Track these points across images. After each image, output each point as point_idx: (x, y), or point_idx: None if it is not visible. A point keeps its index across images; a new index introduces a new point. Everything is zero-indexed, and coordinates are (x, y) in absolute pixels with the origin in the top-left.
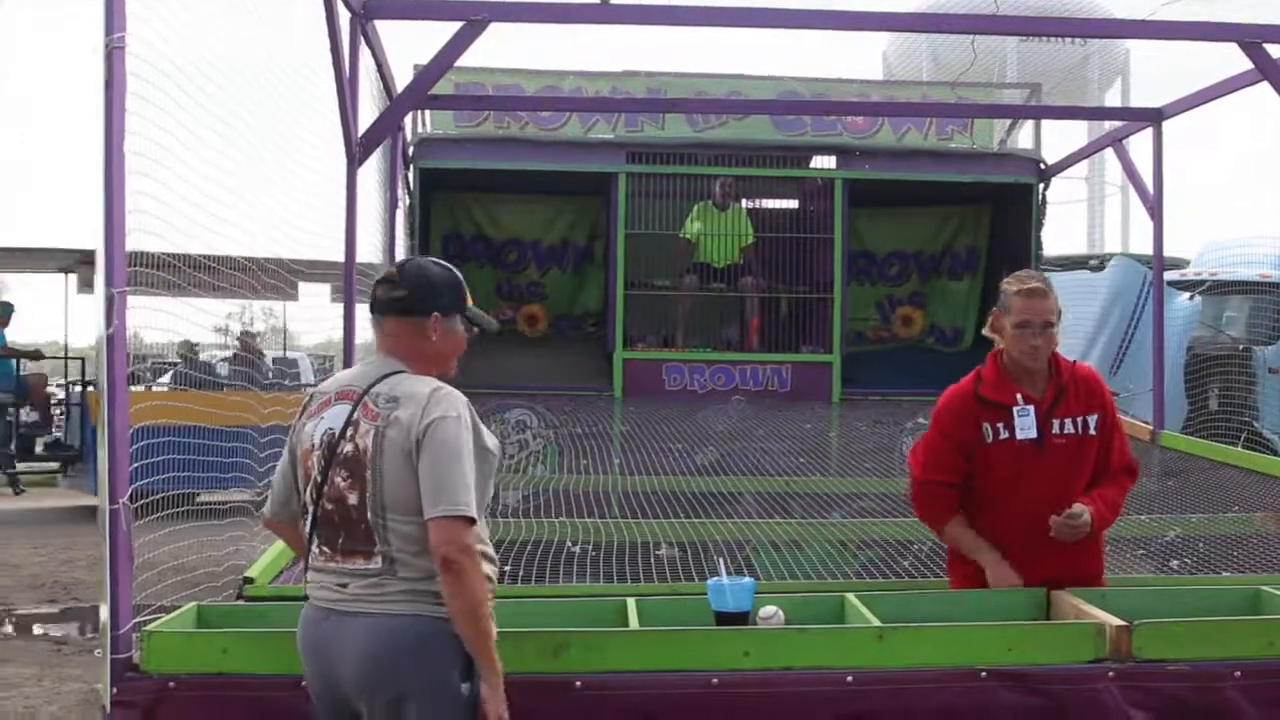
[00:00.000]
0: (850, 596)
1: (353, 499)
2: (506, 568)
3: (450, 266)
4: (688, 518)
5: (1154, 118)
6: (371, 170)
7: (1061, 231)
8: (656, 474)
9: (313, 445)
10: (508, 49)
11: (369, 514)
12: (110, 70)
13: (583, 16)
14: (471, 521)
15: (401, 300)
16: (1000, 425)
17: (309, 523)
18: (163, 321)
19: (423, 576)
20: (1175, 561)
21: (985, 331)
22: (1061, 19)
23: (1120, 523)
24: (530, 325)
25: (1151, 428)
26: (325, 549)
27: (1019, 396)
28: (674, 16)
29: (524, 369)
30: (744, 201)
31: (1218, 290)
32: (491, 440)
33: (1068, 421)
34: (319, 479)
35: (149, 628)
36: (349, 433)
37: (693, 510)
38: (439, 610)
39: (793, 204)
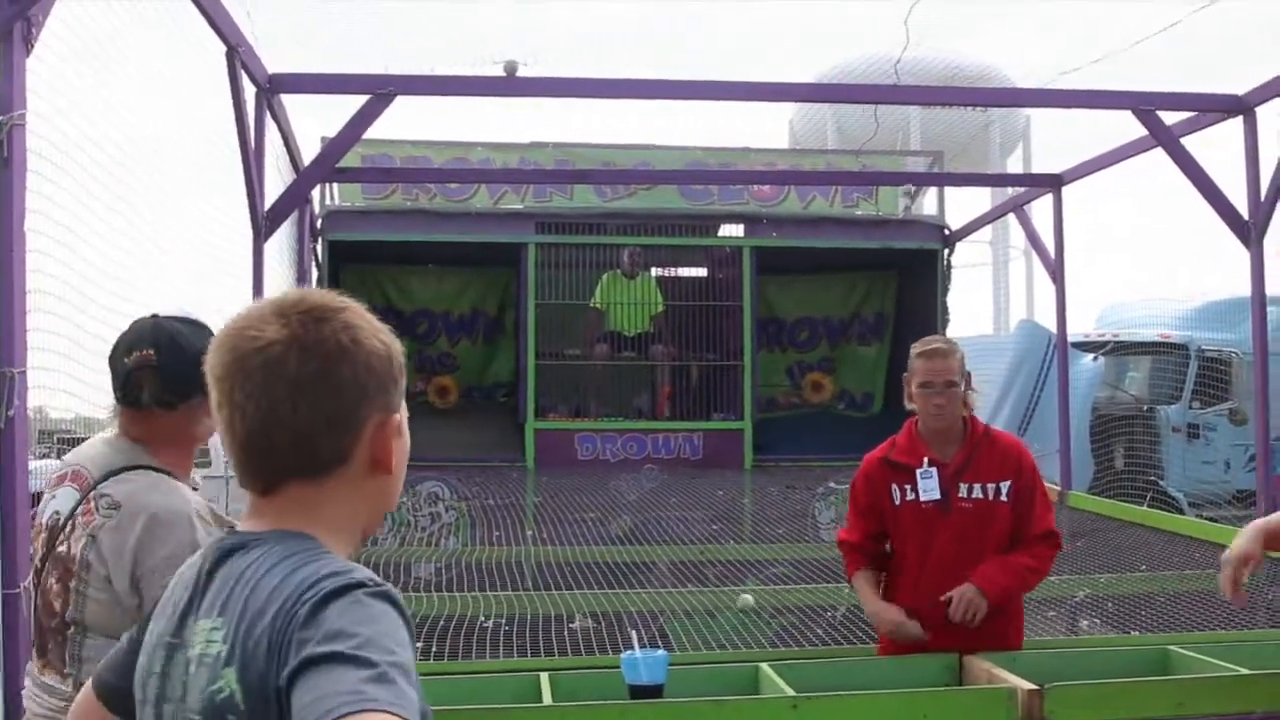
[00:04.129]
0: (764, 666)
1: (58, 605)
2: (419, 644)
3: (194, 319)
4: (602, 588)
5: (1054, 183)
6: (279, 243)
7: (967, 296)
8: (570, 544)
9: (41, 525)
10: (415, 121)
11: (70, 629)
12: (9, 148)
13: (487, 90)
14: None
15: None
16: (907, 487)
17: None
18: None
19: None
20: (1085, 622)
21: (907, 403)
22: (962, 88)
23: None
24: (441, 397)
25: (1059, 488)
26: (35, 654)
27: (925, 460)
28: (576, 89)
29: (435, 441)
30: (653, 270)
31: (1120, 351)
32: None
33: (975, 486)
34: (38, 565)
35: None
36: (68, 527)
37: (607, 581)
38: None
39: (701, 272)
